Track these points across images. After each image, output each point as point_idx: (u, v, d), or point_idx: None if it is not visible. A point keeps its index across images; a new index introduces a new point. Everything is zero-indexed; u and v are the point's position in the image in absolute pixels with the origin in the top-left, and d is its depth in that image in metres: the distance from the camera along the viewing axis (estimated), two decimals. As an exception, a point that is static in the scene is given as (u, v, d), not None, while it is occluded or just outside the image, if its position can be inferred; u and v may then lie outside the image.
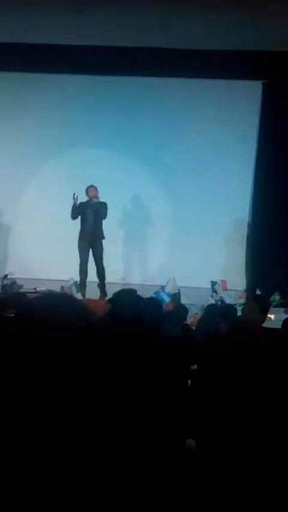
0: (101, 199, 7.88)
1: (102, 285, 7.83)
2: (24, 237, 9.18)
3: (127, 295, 3.59)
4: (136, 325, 3.04)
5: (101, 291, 7.77)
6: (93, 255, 7.86)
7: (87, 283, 7.81)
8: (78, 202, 7.80)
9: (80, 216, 7.87)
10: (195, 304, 6.49)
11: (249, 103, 9.00)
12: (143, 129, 9.10)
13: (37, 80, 9.10)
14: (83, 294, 7.52)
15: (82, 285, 7.70)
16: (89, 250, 7.86)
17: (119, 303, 3.45)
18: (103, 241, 7.90)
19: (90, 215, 7.82)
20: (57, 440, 1.51)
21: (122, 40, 8.31)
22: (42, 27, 8.26)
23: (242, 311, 4.38)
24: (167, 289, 6.94)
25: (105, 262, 7.94)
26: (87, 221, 7.83)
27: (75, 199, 7.77)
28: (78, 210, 7.84)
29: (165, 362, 2.93)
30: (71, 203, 7.90)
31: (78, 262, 7.83)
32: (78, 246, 7.86)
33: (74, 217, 7.86)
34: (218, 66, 8.45)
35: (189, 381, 3.24)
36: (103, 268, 7.85)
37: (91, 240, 7.83)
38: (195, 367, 3.46)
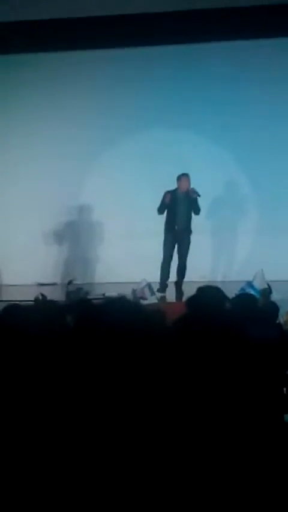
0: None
1: (180, 284, 7.87)
2: (89, 236, 9.35)
3: (210, 293, 3.61)
4: (220, 327, 3.05)
5: (178, 291, 7.81)
6: (179, 251, 7.93)
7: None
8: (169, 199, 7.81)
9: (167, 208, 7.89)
10: (288, 299, 6.40)
11: None
12: (213, 104, 9.07)
13: (98, 57, 9.26)
14: (163, 297, 7.58)
15: (163, 286, 7.80)
16: (174, 246, 7.92)
17: (200, 303, 3.46)
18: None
19: (183, 207, 7.86)
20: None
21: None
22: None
23: None
24: (255, 284, 6.88)
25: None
26: (180, 213, 7.87)
27: (167, 197, 7.80)
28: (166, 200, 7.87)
29: (256, 367, 2.91)
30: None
31: (162, 259, 7.89)
32: (165, 239, 7.91)
33: (162, 212, 7.92)
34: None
35: (285, 388, 3.22)
36: (185, 266, 7.92)
37: (181, 235, 7.89)
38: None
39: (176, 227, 7.89)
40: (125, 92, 9.19)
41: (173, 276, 7.95)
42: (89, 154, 9.29)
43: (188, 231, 7.92)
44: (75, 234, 9.49)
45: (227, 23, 8.55)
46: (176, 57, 9.16)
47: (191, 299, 3.42)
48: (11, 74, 9.40)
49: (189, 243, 7.93)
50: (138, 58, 9.21)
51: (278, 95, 8.93)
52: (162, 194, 7.92)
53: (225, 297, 3.70)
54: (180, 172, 7.97)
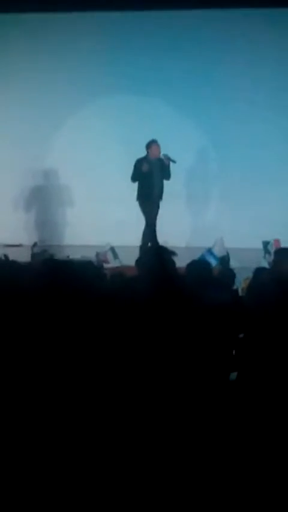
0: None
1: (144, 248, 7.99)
2: (55, 199, 9.39)
3: (156, 254, 3.72)
4: (170, 288, 3.19)
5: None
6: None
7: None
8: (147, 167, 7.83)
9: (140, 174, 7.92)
10: (247, 267, 6.56)
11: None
12: (187, 73, 9.12)
13: (67, 20, 9.19)
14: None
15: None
16: (155, 212, 7.99)
17: (146, 264, 3.59)
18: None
19: (157, 173, 7.94)
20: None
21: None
22: None
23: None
24: (214, 251, 7.04)
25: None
26: (155, 180, 7.95)
27: (144, 165, 7.82)
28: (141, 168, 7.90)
29: (207, 329, 3.05)
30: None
31: (146, 226, 7.92)
32: (145, 207, 7.95)
33: (136, 179, 7.94)
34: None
35: (234, 350, 3.36)
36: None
37: (156, 201, 7.97)
38: (242, 336, 3.56)
39: (154, 194, 7.97)
40: (99, 55, 9.15)
41: (137, 240, 8.04)
42: (55, 117, 9.26)
43: (161, 197, 8.01)
44: (41, 196, 9.50)
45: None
46: (157, 24, 9.10)
47: (137, 261, 3.52)
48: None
49: (158, 208, 8.02)
50: (120, 21, 9.13)
51: (254, 67, 8.97)
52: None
53: (172, 252, 3.81)
54: (148, 139, 8.03)
